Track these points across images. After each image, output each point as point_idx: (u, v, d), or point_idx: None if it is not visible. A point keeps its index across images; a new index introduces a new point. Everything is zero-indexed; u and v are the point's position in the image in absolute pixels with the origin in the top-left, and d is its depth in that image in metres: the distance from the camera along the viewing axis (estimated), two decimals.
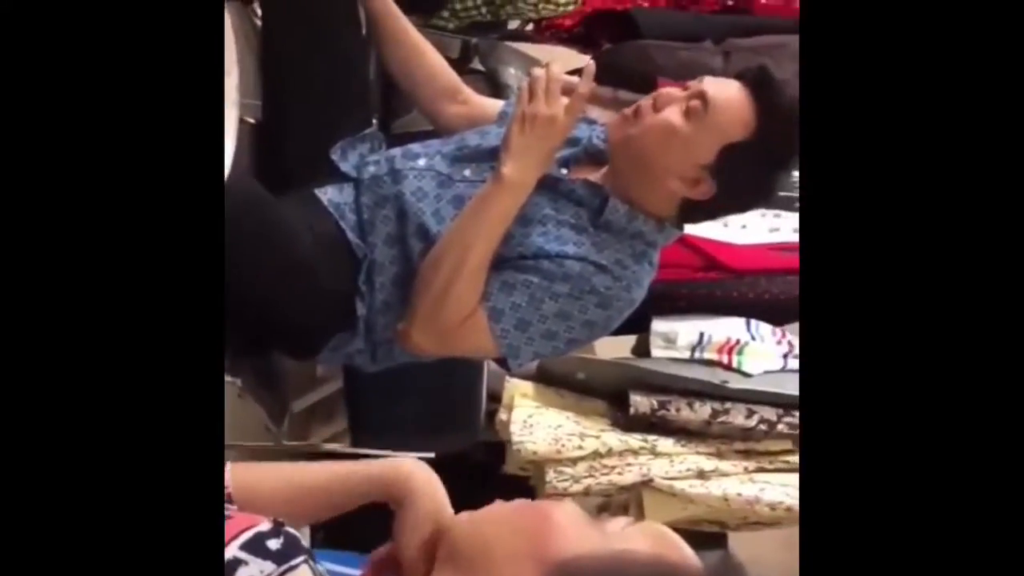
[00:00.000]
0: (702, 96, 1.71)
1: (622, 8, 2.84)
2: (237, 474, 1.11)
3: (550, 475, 2.17)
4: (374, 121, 2.01)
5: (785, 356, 2.34)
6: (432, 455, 2.09)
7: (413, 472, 1.10)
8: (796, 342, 2.37)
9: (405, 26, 2.00)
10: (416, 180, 1.81)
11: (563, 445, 2.16)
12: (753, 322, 2.39)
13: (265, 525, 0.91)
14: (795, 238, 2.46)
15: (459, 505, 0.98)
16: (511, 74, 2.60)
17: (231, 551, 0.88)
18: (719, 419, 2.22)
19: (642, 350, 2.40)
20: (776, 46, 2.62)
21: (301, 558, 0.90)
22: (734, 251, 2.43)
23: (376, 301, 1.78)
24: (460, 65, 2.46)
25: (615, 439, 2.19)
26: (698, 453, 2.21)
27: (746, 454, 2.23)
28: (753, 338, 2.35)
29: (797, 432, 2.21)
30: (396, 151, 1.89)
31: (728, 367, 2.30)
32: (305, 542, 0.93)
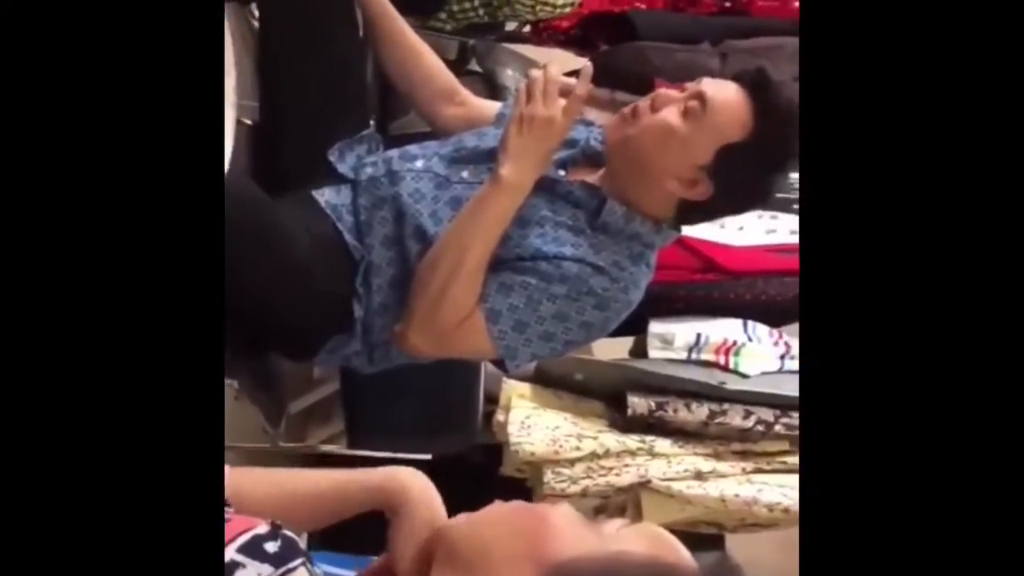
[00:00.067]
0: (700, 97, 1.71)
1: (619, 10, 2.84)
2: (231, 479, 1.11)
3: (548, 476, 2.17)
4: (371, 122, 2.01)
5: (782, 357, 2.34)
6: (429, 457, 2.10)
7: (409, 481, 1.10)
8: (793, 343, 2.37)
9: (402, 27, 2.00)
10: (413, 181, 1.81)
11: (561, 446, 2.16)
12: (750, 323, 2.39)
13: (263, 528, 0.91)
14: (792, 240, 2.47)
15: (456, 507, 0.98)
16: (508, 76, 2.61)
17: (229, 554, 0.88)
18: (716, 420, 2.22)
19: (639, 351, 2.40)
20: (773, 48, 2.62)
21: (299, 561, 0.90)
22: (731, 253, 2.43)
23: (373, 303, 1.78)
24: (457, 67, 2.46)
25: (613, 440, 2.19)
26: (696, 454, 2.21)
27: (743, 455, 2.23)
28: (750, 339, 2.35)
29: (794, 433, 2.22)
30: (393, 152, 1.89)
31: (725, 368, 2.31)
32: (302, 545, 0.93)
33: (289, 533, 0.92)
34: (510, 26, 2.84)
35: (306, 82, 1.90)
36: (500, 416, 2.25)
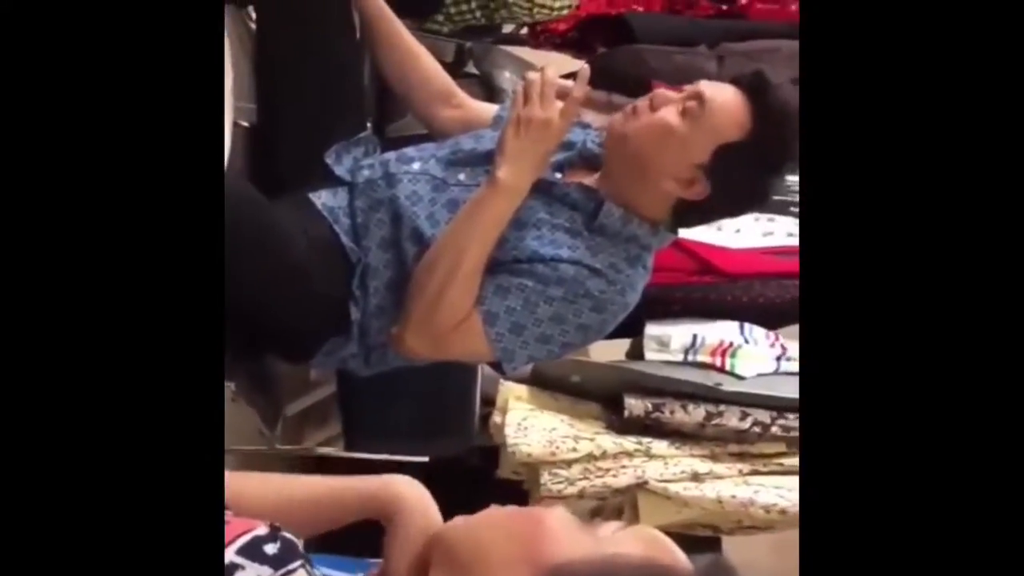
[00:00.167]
0: (699, 97, 1.71)
1: (616, 13, 2.85)
2: (228, 484, 1.11)
3: (544, 477, 2.17)
4: (368, 125, 2.01)
5: (778, 359, 2.35)
6: (426, 459, 2.10)
7: (404, 490, 1.10)
8: (789, 345, 2.37)
9: (399, 30, 2.00)
10: (410, 184, 1.81)
11: (557, 447, 2.17)
12: (746, 325, 2.40)
13: (262, 529, 0.92)
14: (789, 242, 2.47)
15: (453, 510, 0.98)
16: (506, 78, 2.61)
17: (228, 555, 0.88)
18: (713, 421, 2.22)
19: (636, 353, 2.41)
20: (770, 50, 2.63)
21: (298, 563, 0.90)
22: (728, 255, 2.44)
23: (370, 305, 1.78)
24: (454, 69, 2.46)
25: (609, 442, 2.19)
26: (692, 456, 2.21)
27: (740, 456, 2.23)
28: (746, 341, 2.36)
29: (790, 435, 2.22)
30: (390, 155, 1.89)
31: (721, 370, 2.31)
32: (301, 547, 0.93)
33: (288, 535, 0.92)
34: (507, 28, 2.84)
35: (303, 84, 1.90)
36: (497, 418, 2.26)
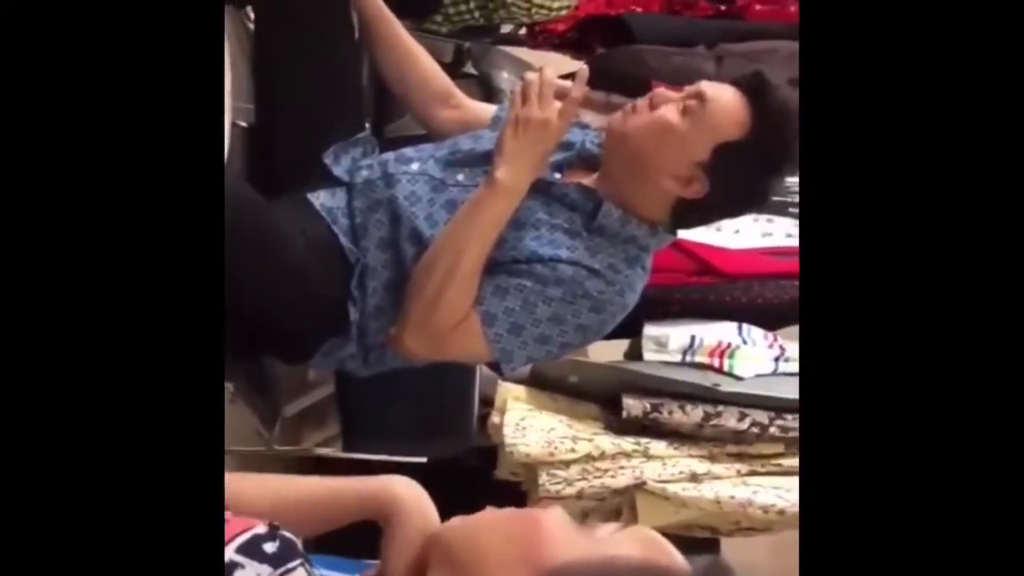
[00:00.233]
0: (699, 96, 1.71)
1: (615, 13, 2.85)
2: (226, 484, 1.11)
3: (543, 478, 2.17)
4: (367, 125, 2.01)
5: (776, 360, 2.35)
6: (425, 460, 2.10)
7: (402, 491, 1.10)
8: (788, 346, 2.37)
9: (398, 30, 2.00)
10: (409, 184, 1.81)
11: (556, 448, 2.17)
12: (745, 326, 2.40)
13: (261, 528, 0.92)
14: (788, 243, 2.47)
15: (451, 510, 0.98)
16: (504, 78, 2.61)
17: (228, 554, 0.88)
18: (711, 422, 2.22)
19: (634, 354, 2.41)
20: (768, 51, 2.63)
21: (297, 561, 0.90)
22: (727, 256, 2.44)
23: (369, 306, 1.78)
24: (453, 69, 2.47)
25: (608, 442, 2.20)
26: (691, 456, 2.21)
27: (738, 457, 2.23)
28: (745, 342, 2.36)
29: (789, 435, 2.22)
30: (389, 155, 1.89)
31: (719, 370, 2.31)
32: (300, 546, 0.93)
33: (288, 534, 0.92)
34: (506, 29, 2.84)
35: (301, 85, 1.90)
36: (495, 418, 2.26)
